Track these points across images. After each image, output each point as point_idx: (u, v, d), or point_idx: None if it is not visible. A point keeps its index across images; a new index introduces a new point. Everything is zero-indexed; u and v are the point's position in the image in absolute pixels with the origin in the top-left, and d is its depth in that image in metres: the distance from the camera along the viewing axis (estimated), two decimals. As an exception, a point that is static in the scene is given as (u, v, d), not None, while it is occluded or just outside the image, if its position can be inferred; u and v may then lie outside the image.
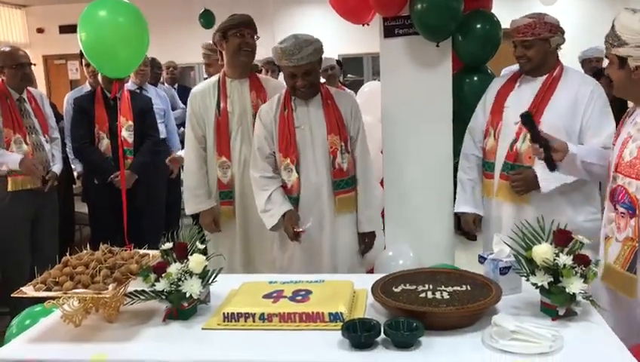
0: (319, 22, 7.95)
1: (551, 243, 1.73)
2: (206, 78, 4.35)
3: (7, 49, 3.47)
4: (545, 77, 2.53)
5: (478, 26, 2.89)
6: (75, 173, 4.39)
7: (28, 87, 3.54)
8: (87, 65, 4.07)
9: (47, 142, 3.55)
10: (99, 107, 3.68)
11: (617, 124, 2.14)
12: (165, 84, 5.72)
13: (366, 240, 2.73)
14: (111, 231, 3.38)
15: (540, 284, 1.67)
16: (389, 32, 2.93)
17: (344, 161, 2.60)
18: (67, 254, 1.83)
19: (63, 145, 4.06)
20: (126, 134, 3.69)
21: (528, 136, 2.42)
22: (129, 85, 4.59)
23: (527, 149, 2.46)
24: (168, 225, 5.05)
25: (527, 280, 1.72)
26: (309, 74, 2.52)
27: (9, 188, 3.32)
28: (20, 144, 3.35)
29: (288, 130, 2.58)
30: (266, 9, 8.51)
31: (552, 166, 2.10)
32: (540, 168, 2.43)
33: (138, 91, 4.40)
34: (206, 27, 7.64)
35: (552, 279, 1.66)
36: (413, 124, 2.94)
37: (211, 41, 3.11)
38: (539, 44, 2.49)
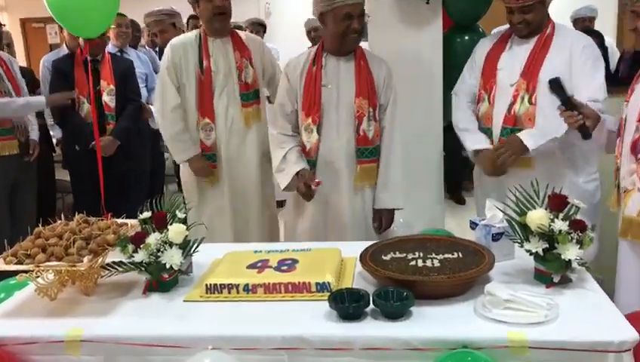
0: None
1: (546, 209, 1.67)
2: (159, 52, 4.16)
3: None
4: (537, 36, 2.42)
5: (469, -18, 2.78)
6: (55, 140, 4.25)
7: None
8: None
9: None
10: (78, 70, 3.50)
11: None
12: (146, 47, 5.54)
13: (382, 218, 2.51)
14: (94, 199, 3.25)
15: (534, 251, 1.61)
16: (377, -11, 2.82)
17: (370, 128, 2.41)
18: (40, 225, 1.73)
19: (41, 111, 3.91)
20: (107, 99, 3.54)
21: (527, 97, 2.35)
22: (109, 48, 4.44)
23: (525, 111, 2.37)
24: (152, 191, 4.96)
25: (522, 246, 1.66)
26: (364, 15, 2.36)
27: None
28: None
29: (314, 88, 2.41)
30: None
31: (586, 133, 2.02)
32: (524, 132, 2.36)
33: (119, 54, 4.24)
34: None
35: (547, 245, 1.60)
36: (403, 86, 2.81)
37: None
38: (538, 7, 2.36)
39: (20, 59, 5.27)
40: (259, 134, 2.82)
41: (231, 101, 2.75)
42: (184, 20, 5.07)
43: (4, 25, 3.45)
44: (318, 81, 2.41)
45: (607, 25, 6.27)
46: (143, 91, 4.31)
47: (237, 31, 2.90)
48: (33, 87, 3.78)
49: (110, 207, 3.12)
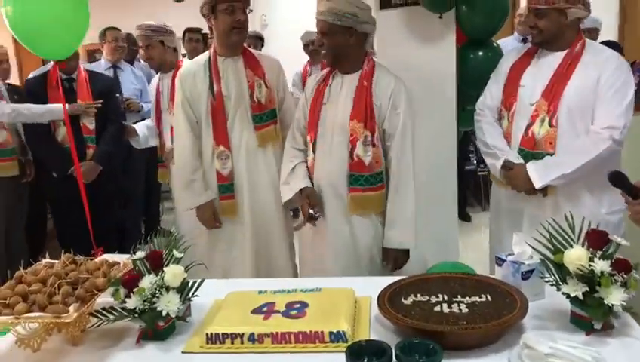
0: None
1: (582, 246, 1.50)
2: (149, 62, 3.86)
3: None
4: (565, 52, 2.25)
5: (484, -5, 2.62)
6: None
7: None
8: None
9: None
10: (52, 91, 3.25)
11: None
12: (142, 61, 5.39)
13: (392, 257, 2.31)
14: (79, 229, 3.00)
15: (573, 295, 1.45)
16: (385, 3, 2.69)
17: (367, 154, 2.22)
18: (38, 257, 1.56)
19: None
20: (86, 120, 3.30)
21: (547, 119, 2.19)
22: (103, 64, 4.29)
23: (546, 134, 2.21)
24: (148, 209, 4.80)
25: (558, 289, 1.49)
26: (324, 34, 2.23)
27: None
28: None
29: (315, 105, 2.32)
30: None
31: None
32: (530, 163, 2.21)
33: (111, 70, 4.09)
34: None
35: (587, 288, 1.44)
36: (414, 105, 2.68)
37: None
38: (552, 15, 2.20)
39: (13, 76, 5.05)
40: (277, 157, 2.59)
41: (245, 124, 2.54)
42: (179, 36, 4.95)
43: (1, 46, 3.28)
44: (320, 99, 2.31)
45: (608, 36, 6.15)
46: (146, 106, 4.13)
47: (251, 50, 2.70)
48: None
49: (101, 234, 2.96)
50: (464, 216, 5.27)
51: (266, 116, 2.58)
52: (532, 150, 2.25)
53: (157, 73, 3.52)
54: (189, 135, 2.57)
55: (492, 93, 2.42)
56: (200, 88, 2.53)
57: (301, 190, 2.32)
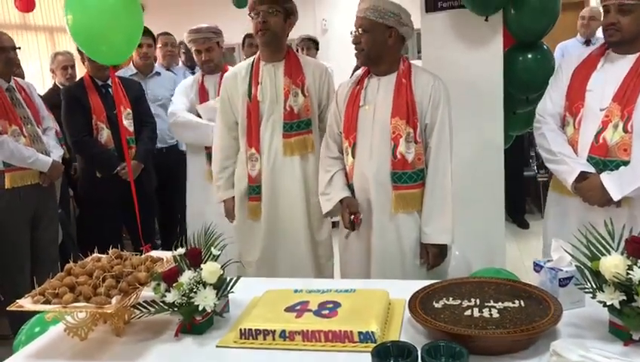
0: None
1: (622, 254, 1.46)
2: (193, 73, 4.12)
3: None
4: (637, 55, 2.14)
5: (534, -5, 2.57)
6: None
7: (15, 77, 3.32)
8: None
9: (42, 133, 3.36)
10: (93, 96, 3.44)
11: None
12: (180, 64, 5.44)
13: (430, 254, 2.29)
14: (113, 228, 3.31)
15: (609, 304, 1.41)
16: (431, 6, 2.69)
17: (410, 151, 2.21)
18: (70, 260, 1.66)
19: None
20: (126, 123, 3.47)
21: (621, 125, 2.09)
22: (156, 67, 4.45)
23: (620, 141, 2.11)
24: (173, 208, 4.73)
25: (593, 297, 1.45)
26: (364, 31, 2.23)
27: (7, 186, 3.07)
28: (18, 136, 3.10)
29: (352, 109, 2.31)
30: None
31: None
32: (604, 174, 2.12)
33: (160, 73, 4.26)
34: (238, 6, 7.41)
35: (624, 297, 1.40)
36: (461, 106, 2.63)
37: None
38: (638, 12, 2.08)
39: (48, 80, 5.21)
40: (305, 167, 2.64)
41: (276, 131, 2.61)
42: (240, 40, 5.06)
43: (19, 48, 3.36)
44: (357, 102, 2.30)
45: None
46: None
47: (297, 54, 2.74)
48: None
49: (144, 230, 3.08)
50: (522, 223, 5.14)
51: (298, 125, 2.61)
52: (604, 157, 2.16)
53: (208, 75, 3.57)
54: (223, 135, 2.71)
55: (553, 99, 2.33)
56: (240, 90, 2.63)
57: (341, 200, 2.33)
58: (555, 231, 2.40)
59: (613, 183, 2.11)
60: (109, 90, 3.46)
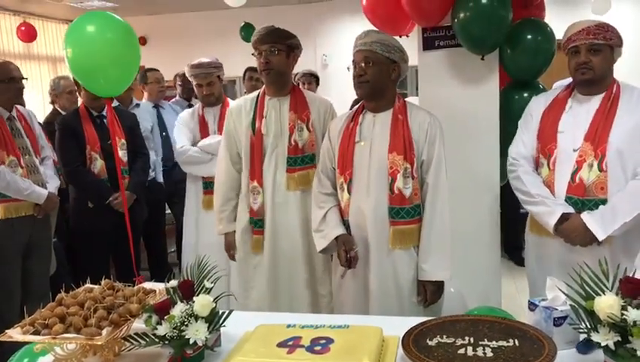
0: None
1: (617, 294, 1.45)
2: (189, 106, 4.28)
3: None
4: (602, 95, 2.21)
5: (529, 36, 2.64)
6: None
7: (16, 105, 3.33)
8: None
9: (40, 163, 3.36)
10: (87, 126, 3.46)
11: None
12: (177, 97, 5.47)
13: (427, 291, 2.28)
14: (103, 258, 3.35)
15: (603, 344, 1.40)
16: (428, 44, 2.72)
17: (407, 186, 2.22)
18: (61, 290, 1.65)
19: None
20: (121, 153, 3.48)
21: (596, 164, 2.14)
22: (144, 104, 4.56)
23: (596, 180, 2.15)
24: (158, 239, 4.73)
25: (588, 337, 1.44)
26: (368, 64, 2.24)
27: (0, 216, 3.06)
28: (16, 167, 3.10)
29: (347, 145, 2.31)
30: (309, 22, 8.34)
31: None
32: (585, 214, 2.14)
33: (154, 110, 4.37)
34: (247, 40, 7.55)
35: (619, 338, 1.39)
36: (457, 144, 2.67)
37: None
38: (607, 52, 2.17)
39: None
40: (307, 201, 2.61)
41: (279, 165, 2.62)
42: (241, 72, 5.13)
43: (27, 78, 3.39)
44: (352, 138, 2.31)
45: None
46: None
47: (302, 90, 2.77)
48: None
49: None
50: (518, 260, 5.12)
51: (302, 160, 2.63)
52: (582, 197, 2.19)
53: (207, 107, 3.61)
54: (226, 167, 2.71)
55: (525, 142, 2.38)
56: (244, 123, 2.64)
57: (336, 238, 2.32)
58: (537, 274, 2.41)
59: (597, 223, 2.13)
60: (104, 120, 3.49)
